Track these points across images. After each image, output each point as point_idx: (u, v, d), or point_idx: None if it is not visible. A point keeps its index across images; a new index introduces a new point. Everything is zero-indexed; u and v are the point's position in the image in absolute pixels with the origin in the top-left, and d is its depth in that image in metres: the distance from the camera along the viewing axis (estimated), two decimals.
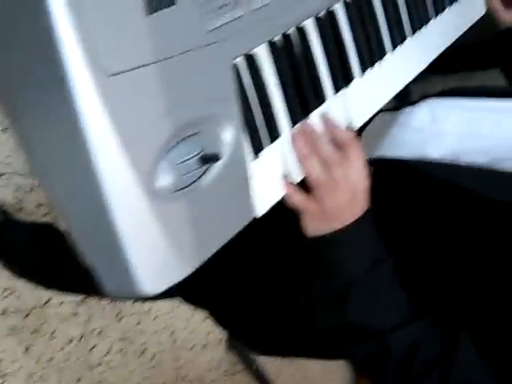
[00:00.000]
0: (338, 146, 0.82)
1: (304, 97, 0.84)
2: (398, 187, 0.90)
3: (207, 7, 0.67)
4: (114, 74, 0.59)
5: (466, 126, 0.92)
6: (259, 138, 0.78)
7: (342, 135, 0.83)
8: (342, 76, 0.91)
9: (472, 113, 0.94)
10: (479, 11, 1.26)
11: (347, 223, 0.80)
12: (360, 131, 1.02)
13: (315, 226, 0.82)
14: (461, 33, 1.20)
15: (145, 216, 0.65)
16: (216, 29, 0.69)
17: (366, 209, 0.82)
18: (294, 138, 0.82)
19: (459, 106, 0.97)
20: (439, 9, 1.16)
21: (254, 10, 0.75)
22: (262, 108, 0.78)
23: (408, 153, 0.93)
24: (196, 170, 0.70)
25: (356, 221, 0.80)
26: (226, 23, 0.71)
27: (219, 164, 0.72)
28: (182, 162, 0.68)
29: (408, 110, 1.02)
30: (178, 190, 0.68)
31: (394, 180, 0.91)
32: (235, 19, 0.72)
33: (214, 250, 0.72)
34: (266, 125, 0.79)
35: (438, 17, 1.16)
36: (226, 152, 0.73)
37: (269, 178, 0.80)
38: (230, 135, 0.73)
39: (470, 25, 1.23)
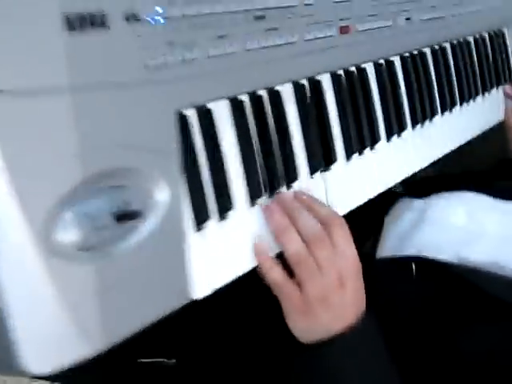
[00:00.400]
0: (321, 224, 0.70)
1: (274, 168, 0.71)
2: (438, 291, 0.81)
3: (150, 41, 0.56)
4: (11, 92, 0.47)
5: (506, 230, 0.87)
6: (205, 208, 0.64)
7: (325, 211, 0.72)
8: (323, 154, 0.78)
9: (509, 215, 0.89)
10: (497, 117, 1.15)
11: (338, 322, 0.68)
12: (377, 214, 0.97)
13: (299, 321, 0.70)
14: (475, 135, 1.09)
15: (36, 277, 0.50)
16: (159, 66, 0.58)
17: (362, 305, 0.70)
18: (269, 209, 0.70)
19: (495, 206, 0.92)
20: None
21: (213, 57, 0.63)
22: (212, 173, 0.64)
23: (447, 255, 0.85)
24: (113, 229, 0.55)
25: (352, 328, 0.69)
26: (175, 63, 0.59)
27: (146, 228, 0.58)
28: (93, 217, 0.54)
29: (435, 201, 0.96)
30: (84, 250, 0.53)
31: (435, 283, 0.82)
32: (189, 61, 0.60)
33: (129, 333, 0.55)
34: (216, 194, 0.65)
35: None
36: (156, 215, 0.59)
37: (216, 255, 0.65)
38: (164, 196, 0.60)
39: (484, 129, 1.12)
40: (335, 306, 0.68)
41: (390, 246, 0.93)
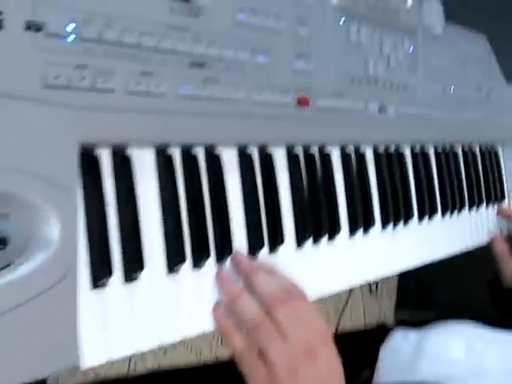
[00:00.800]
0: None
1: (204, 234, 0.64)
2: None
3: (55, 57, 0.51)
4: None
5: (507, 363, 0.81)
6: (106, 264, 0.56)
7: (286, 281, 0.66)
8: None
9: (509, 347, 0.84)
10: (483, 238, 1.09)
11: None
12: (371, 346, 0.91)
13: None
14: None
15: None
16: (62, 88, 0.51)
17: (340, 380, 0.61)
18: (221, 275, 0.66)
19: (495, 337, 0.86)
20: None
21: (134, 93, 0.56)
22: (122, 226, 0.57)
23: None
24: None
25: None
26: (84, 89, 0.53)
27: (23, 268, 0.49)
28: None
29: (432, 333, 0.89)
30: None
31: None
32: (102, 91, 0.54)
33: None
34: (124, 252, 0.57)
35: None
36: (38, 256, 0.51)
37: (117, 321, 0.56)
38: (53, 236, 0.51)
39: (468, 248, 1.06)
40: (308, 380, 0.58)
41: (389, 378, 0.85)
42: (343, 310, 2.26)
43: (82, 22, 0.52)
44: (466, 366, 0.82)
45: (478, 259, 1.12)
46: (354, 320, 2.34)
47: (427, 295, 2.25)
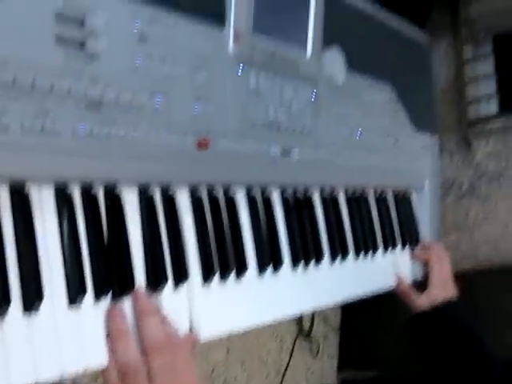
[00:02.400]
0: None
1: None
2: None
3: None
4: None
5: None
6: (4, 297, 0.59)
7: (170, 328, 0.71)
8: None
9: None
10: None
11: None
12: None
13: None
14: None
15: None
16: None
17: None
18: (113, 310, 0.68)
19: None
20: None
21: (30, 130, 0.61)
22: (19, 259, 0.61)
23: None
24: None
25: None
26: None
27: None
28: None
29: None
30: None
31: None
32: None
33: None
34: (22, 284, 0.61)
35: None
36: None
37: (13, 351, 0.59)
38: None
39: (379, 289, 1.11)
40: None
41: None
42: (284, 373, 2.28)
43: None
44: None
45: None
46: (296, 382, 2.35)
47: (369, 353, 2.29)
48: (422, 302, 1.13)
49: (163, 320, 0.70)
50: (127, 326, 0.67)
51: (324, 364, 2.42)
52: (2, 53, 0.59)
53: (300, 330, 2.32)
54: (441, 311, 1.12)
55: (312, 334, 2.37)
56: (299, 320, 2.28)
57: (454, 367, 1.06)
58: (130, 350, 0.65)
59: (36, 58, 0.61)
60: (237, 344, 2.02)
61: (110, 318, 0.67)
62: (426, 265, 1.20)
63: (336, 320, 2.48)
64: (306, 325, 2.34)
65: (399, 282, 1.16)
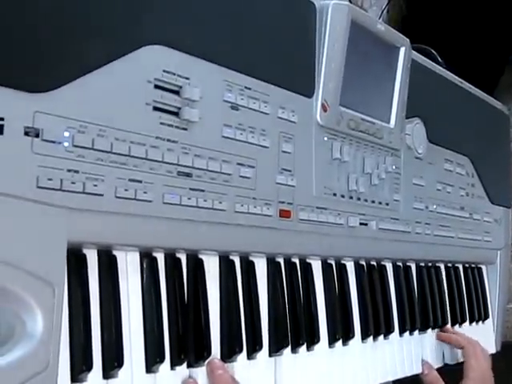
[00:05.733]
0: None
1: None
2: None
3: (49, 161, 0.55)
4: None
5: None
6: (86, 363, 0.58)
7: None
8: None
9: None
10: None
11: None
12: None
13: None
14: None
15: None
16: (54, 189, 0.55)
17: None
18: None
19: None
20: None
21: (121, 199, 0.60)
22: (105, 328, 0.60)
23: None
24: None
25: None
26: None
27: (7, 357, 0.52)
28: None
29: None
30: None
31: None
32: (91, 195, 0.58)
33: None
34: (104, 353, 0.59)
35: None
36: (21, 347, 0.53)
37: None
38: (36, 329, 0.53)
39: None
40: None
41: None
42: None
43: (77, 130, 0.57)
44: None
45: None
46: None
47: None
48: None
49: None
50: None
51: None
52: (102, 121, 0.59)
53: None
54: None
55: None
56: None
57: None
58: None
59: (133, 126, 0.61)
60: None
61: None
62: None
63: None
64: None
65: (429, 371, 1.03)
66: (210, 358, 0.68)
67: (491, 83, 2.12)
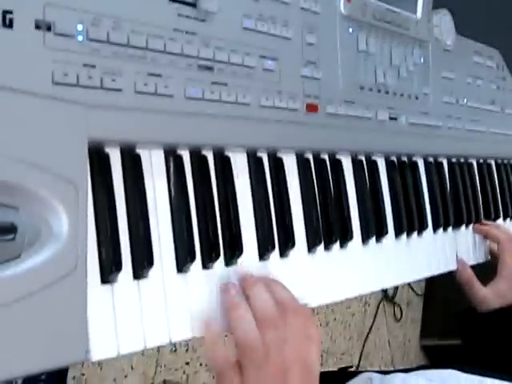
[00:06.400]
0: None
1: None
2: None
3: (64, 56, 0.52)
4: None
5: None
6: (116, 260, 0.56)
7: (283, 294, 0.65)
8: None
9: None
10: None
11: None
12: None
13: None
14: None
15: None
16: (71, 85, 0.53)
17: None
18: (226, 283, 0.65)
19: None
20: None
21: (141, 93, 0.58)
22: (132, 225, 0.58)
23: None
24: None
25: None
26: (92, 87, 0.54)
27: (31, 260, 0.50)
28: None
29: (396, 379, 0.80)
30: None
31: None
32: (110, 90, 0.55)
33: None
34: (133, 250, 0.58)
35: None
36: (48, 248, 0.51)
37: (129, 316, 0.57)
38: (61, 229, 0.52)
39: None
40: None
41: None
42: (367, 336, 2.24)
43: (91, 23, 0.54)
44: None
45: None
46: (379, 347, 2.31)
47: (453, 323, 2.23)
48: (487, 294, 0.99)
49: (272, 285, 0.66)
50: (241, 300, 0.63)
51: (407, 329, 2.38)
52: (116, 13, 0.56)
53: (385, 295, 2.28)
54: None
55: (396, 299, 2.32)
56: None
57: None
58: (248, 325, 0.61)
59: (149, 18, 0.58)
60: (322, 306, 1.99)
61: (224, 291, 0.64)
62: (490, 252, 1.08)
63: (420, 285, 2.42)
64: (391, 289, 2.29)
65: (461, 269, 1.01)
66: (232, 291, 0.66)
67: None
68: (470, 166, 1.06)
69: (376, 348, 2.23)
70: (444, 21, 0.94)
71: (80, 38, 0.53)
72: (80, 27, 0.53)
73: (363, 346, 2.15)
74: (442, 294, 2.33)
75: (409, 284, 2.34)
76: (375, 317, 2.19)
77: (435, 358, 2.39)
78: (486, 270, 1.04)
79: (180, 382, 1.60)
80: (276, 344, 0.60)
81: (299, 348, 0.62)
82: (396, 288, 2.25)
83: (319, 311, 1.99)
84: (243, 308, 0.62)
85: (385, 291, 2.23)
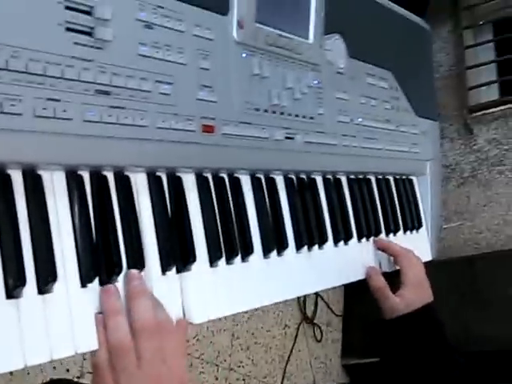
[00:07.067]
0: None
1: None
2: None
3: None
4: None
5: None
6: (20, 277, 0.61)
7: (162, 315, 0.71)
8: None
9: None
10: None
11: None
12: None
13: None
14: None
15: None
16: None
17: None
18: (107, 289, 0.69)
19: None
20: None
21: (41, 117, 0.63)
22: (34, 243, 0.64)
23: None
24: None
25: None
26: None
27: None
28: None
29: None
30: None
31: None
32: (12, 115, 0.60)
33: None
34: (37, 268, 0.63)
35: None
36: None
37: (35, 330, 0.62)
38: None
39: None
40: None
41: None
42: (289, 358, 2.31)
43: None
44: None
45: None
46: (301, 368, 2.38)
47: (372, 342, 2.32)
48: (397, 303, 1.06)
49: (155, 304, 0.71)
50: (121, 304, 0.69)
51: (328, 349, 2.45)
52: (14, 42, 0.61)
53: (304, 317, 2.35)
54: (421, 316, 1.06)
55: (315, 320, 2.40)
56: (303, 306, 2.31)
57: (423, 368, 1.04)
58: (122, 329, 0.67)
59: (46, 46, 0.63)
60: (242, 329, 2.05)
61: (104, 296, 0.68)
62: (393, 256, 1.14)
63: (339, 306, 2.51)
64: (310, 310, 2.37)
65: (374, 276, 1.08)
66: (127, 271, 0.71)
67: (421, 7, 2.18)
68: (369, 182, 1.14)
69: (298, 370, 2.29)
70: (336, 45, 1.03)
71: None
72: None
73: (285, 368, 2.21)
74: (360, 314, 2.42)
75: (327, 305, 2.42)
76: (296, 338, 2.26)
77: (356, 377, 2.48)
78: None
79: None
80: (150, 355, 0.66)
81: (172, 364, 0.68)
82: (315, 309, 2.33)
83: (239, 335, 2.05)
84: (120, 315, 0.68)
85: (304, 313, 2.31)
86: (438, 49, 2.49)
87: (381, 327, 1.09)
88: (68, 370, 1.66)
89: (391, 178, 1.21)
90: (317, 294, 2.37)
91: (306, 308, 2.32)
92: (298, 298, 2.34)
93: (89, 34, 0.67)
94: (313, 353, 2.38)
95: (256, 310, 2.17)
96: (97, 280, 0.68)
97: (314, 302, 2.36)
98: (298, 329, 2.30)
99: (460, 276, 2.21)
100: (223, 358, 1.99)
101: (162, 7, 0.75)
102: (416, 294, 1.07)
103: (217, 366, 1.96)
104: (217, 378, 1.95)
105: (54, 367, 1.60)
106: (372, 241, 1.12)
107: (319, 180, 1.02)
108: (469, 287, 2.20)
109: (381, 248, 1.13)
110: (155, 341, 0.67)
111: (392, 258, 1.14)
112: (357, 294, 2.39)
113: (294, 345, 2.25)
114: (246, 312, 2.10)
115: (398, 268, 1.12)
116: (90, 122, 0.67)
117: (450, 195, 2.47)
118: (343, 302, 2.49)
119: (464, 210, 2.48)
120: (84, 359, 1.65)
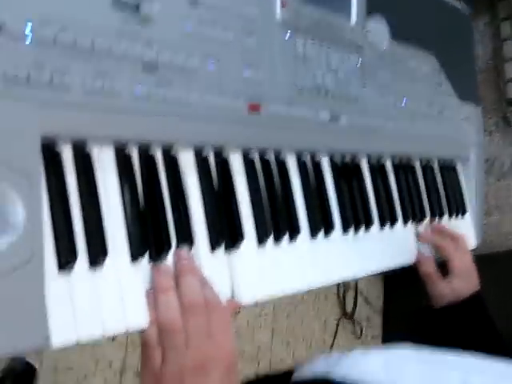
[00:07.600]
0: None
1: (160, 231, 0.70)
2: None
3: (13, 53, 0.58)
4: None
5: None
6: (71, 251, 0.61)
7: (210, 294, 0.70)
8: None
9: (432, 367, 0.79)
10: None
11: None
12: None
13: None
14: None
15: None
16: (20, 82, 0.58)
17: None
18: (158, 268, 0.69)
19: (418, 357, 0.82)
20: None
21: (90, 91, 0.63)
22: (85, 219, 0.63)
23: None
24: None
25: None
26: (42, 85, 0.59)
27: None
28: None
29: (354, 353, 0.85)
30: None
31: None
32: (59, 88, 0.60)
33: None
34: (88, 241, 0.63)
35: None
36: (5, 238, 0.56)
37: (84, 304, 0.62)
38: (18, 219, 0.55)
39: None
40: None
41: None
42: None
43: (39, 23, 0.59)
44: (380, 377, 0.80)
45: None
46: None
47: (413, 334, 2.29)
48: (445, 291, 1.04)
49: (203, 282, 0.71)
50: (172, 282, 0.68)
51: (368, 345, 2.42)
52: (63, 15, 0.61)
53: (343, 312, 2.33)
54: (471, 305, 1.04)
55: (355, 316, 2.38)
56: (342, 302, 2.29)
57: None
58: (172, 306, 0.66)
59: (94, 20, 0.64)
60: (281, 325, 2.04)
61: (156, 274, 0.68)
62: (438, 248, 1.10)
63: (378, 302, 2.48)
64: (349, 306, 2.34)
65: (424, 261, 1.07)
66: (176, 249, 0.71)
67: None
68: (413, 168, 1.12)
69: None
70: (378, 26, 1.01)
71: (29, 38, 0.58)
72: (28, 26, 0.58)
73: None
74: (400, 310, 2.39)
75: (367, 301, 2.39)
76: (335, 334, 2.24)
77: None
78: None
79: None
80: (198, 333, 0.65)
81: (220, 344, 0.67)
82: (355, 305, 2.31)
83: (280, 331, 2.03)
84: (171, 293, 0.67)
85: (343, 308, 2.29)
86: (475, 41, 2.45)
87: (428, 315, 1.07)
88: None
89: (436, 164, 1.19)
90: (356, 290, 2.35)
91: (345, 304, 2.30)
92: (338, 293, 2.31)
93: (135, 8, 0.67)
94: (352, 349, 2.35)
95: (295, 306, 2.15)
96: (146, 256, 0.68)
97: (353, 298, 2.34)
98: (337, 325, 2.27)
99: (503, 270, 2.17)
100: (263, 353, 1.98)
101: None
102: (465, 281, 1.05)
103: (258, 361, 1.95)
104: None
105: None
106: (423, 225, 1.11)
107: (364, 163, 1.01)
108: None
109: (436, 230, 1.11)
110: (202, 318, 0.67)
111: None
112: (396, 290, 2.36)
113: (333, 340, 2.23)
114: (285, 308, 2.09)
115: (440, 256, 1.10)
116: (138, 97, 0.67)
117: (490, 189, 2.42)
118: (383, 297, 2.46)
119: (505, 203, 2.43)
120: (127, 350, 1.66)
